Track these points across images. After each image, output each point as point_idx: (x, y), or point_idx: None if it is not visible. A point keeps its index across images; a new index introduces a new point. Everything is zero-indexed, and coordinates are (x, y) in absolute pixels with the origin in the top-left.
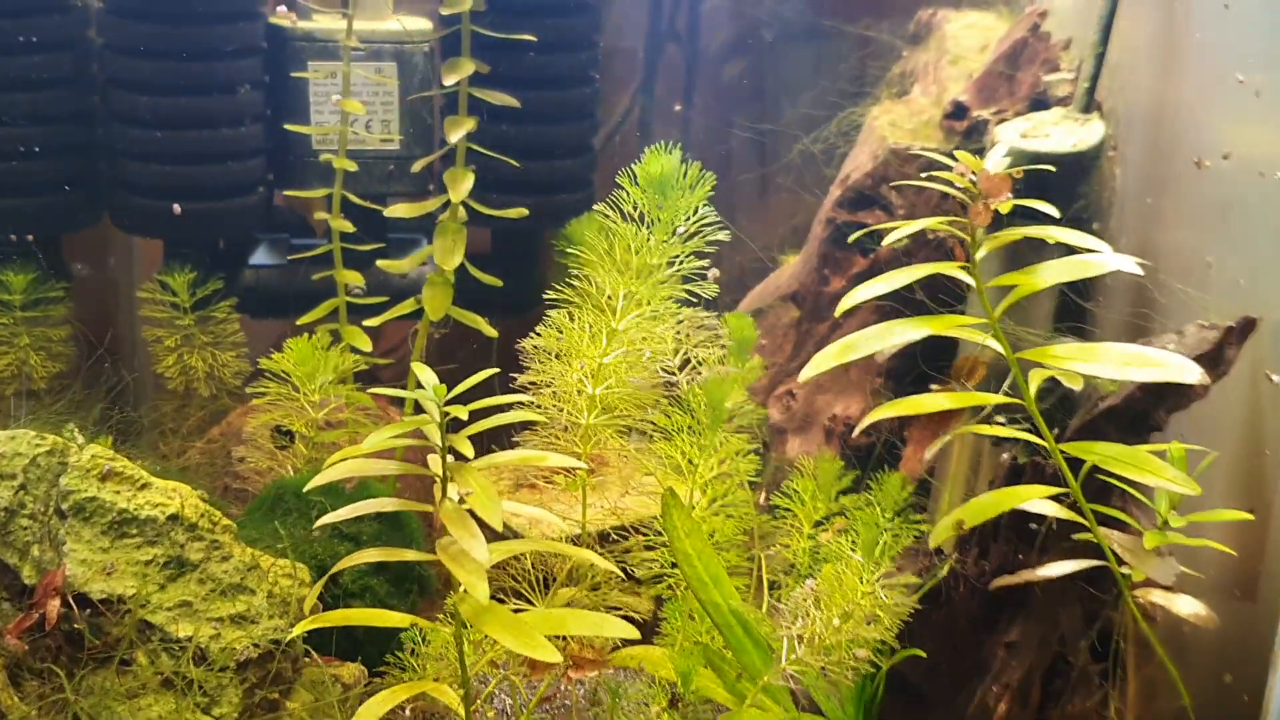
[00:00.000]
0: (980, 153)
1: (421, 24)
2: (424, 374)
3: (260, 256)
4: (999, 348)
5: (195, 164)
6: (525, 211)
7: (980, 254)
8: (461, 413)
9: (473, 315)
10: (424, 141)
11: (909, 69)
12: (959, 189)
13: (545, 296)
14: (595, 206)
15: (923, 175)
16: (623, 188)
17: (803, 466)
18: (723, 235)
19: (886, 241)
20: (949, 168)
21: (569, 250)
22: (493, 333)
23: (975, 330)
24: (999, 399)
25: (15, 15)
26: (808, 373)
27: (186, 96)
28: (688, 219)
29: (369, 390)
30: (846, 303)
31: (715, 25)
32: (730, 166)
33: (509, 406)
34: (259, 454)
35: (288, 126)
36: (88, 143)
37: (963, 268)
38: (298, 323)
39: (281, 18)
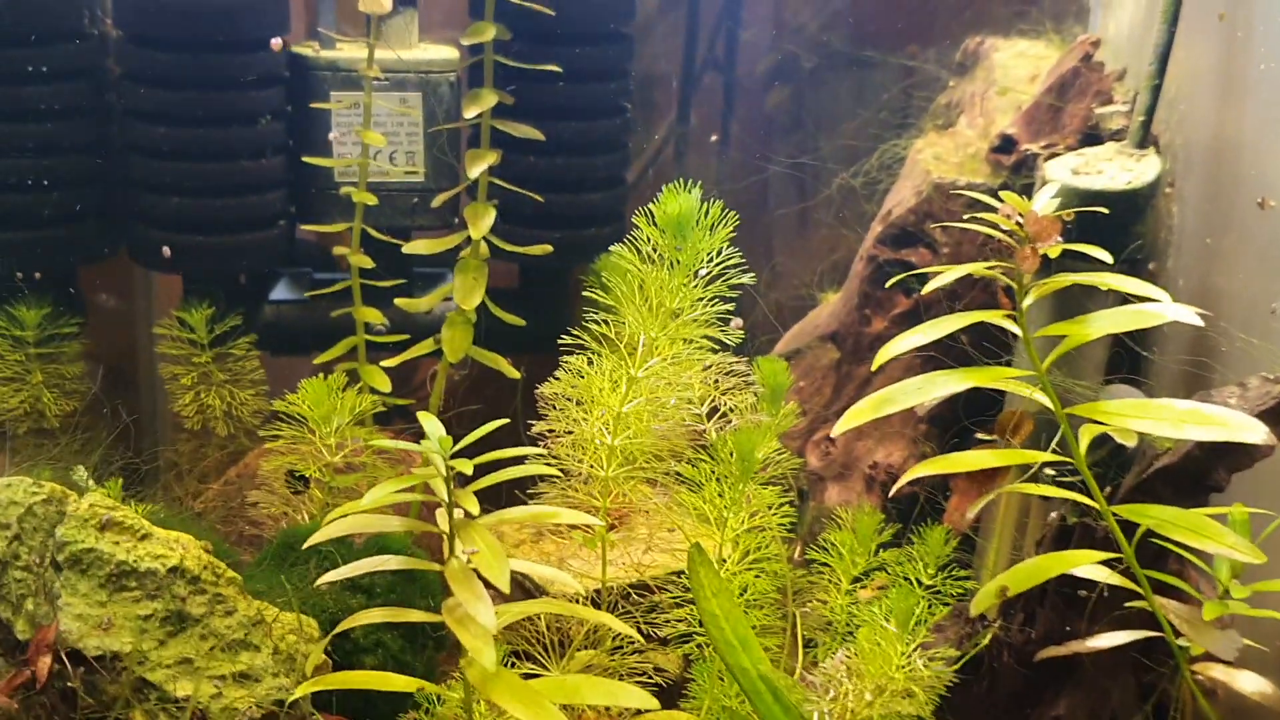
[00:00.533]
0: (1029, 189)
1: (448, 53)
2: (429, 424)
3: (281, 291)
4: (1047, 402)
5: (215, 197)
6: (549, 248)
7: (1027, 301)
8: (466, 467)
9: (494, 356)
10: (450, 173)
11: (955, 100)
12: (1005, 232)
13: (571, 335)
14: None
15: (967, 215)
16: (641, 228)
17: (841, 518)
18: (747, 279)
19: (929, 288)
20: (995, 205)
21: (596, 287)
22: (514, 374)
23: (1022, 383)
24: (1047, 456)
25: (30, 44)
26: (843, 426)
27: (206, 127)
28: (710, 260)
29: (371, 442)
30: (884, 356)
31: (755, 54)
32: (768, 200)
33: (522, 459)
34: (273, 499)
35: (306, 159)
36: (104, 174)
37: (1009, 316)
38: (314, 362)
39: (303, 47)
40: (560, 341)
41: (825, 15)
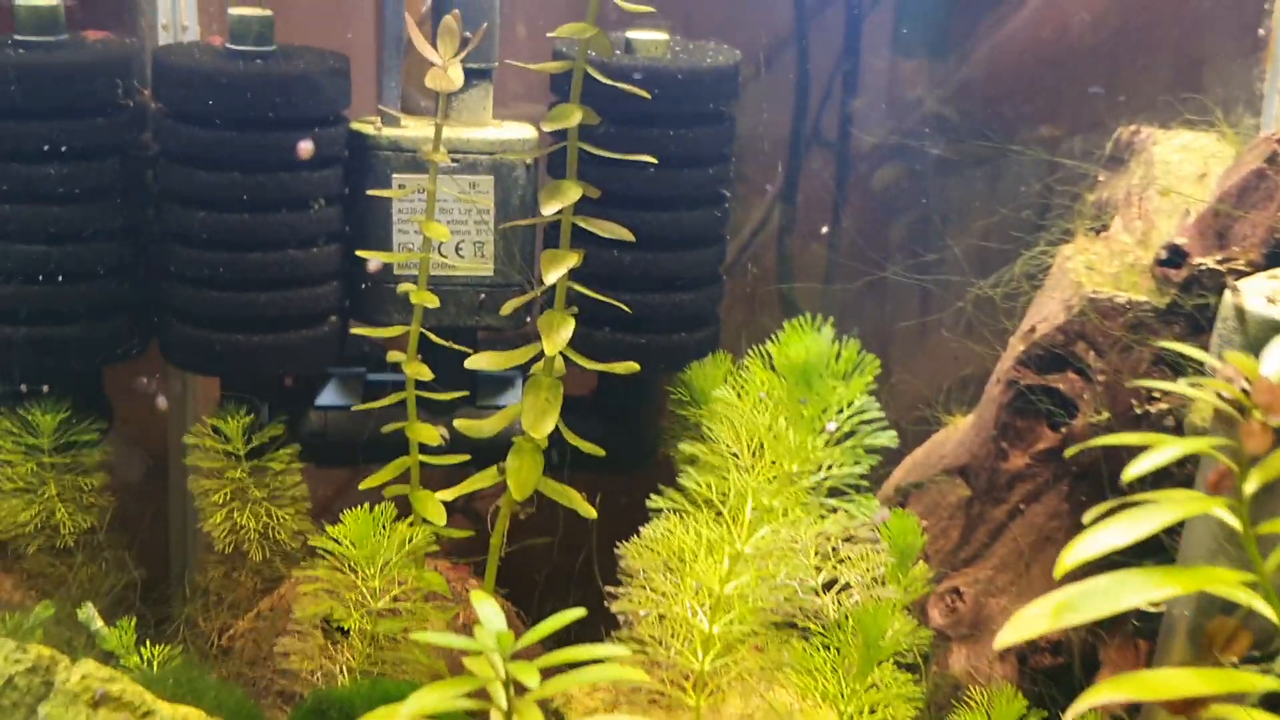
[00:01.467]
0: (1203, 309)
1: (525, 132)
2: (484, 608)
3: (329, 396)
4: (1268, 612)
5: (259, 290)
6: (636, 366)
7: (1250, 488)
8: (530, 677)
9: (568, 491)
10: (523, 265)
11: (1106, 198)
12: (1226, 399)
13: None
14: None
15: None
16: (755, 371)
17: (972, 698)
18: (886, 439)
19: (1133, 473)
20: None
21: (688, 400)
22: (591, 512)
23: (1243, 589)
24: (1273, 685)
25: (54, 116)
26: (1008, 639)
27: (251, 213)
28: (840, 412)
29: (415, 635)
30: (1070, 560)
31: (867, 132)
32: (885, 302)
33: (600, 660)
34: (306, 647)
35: (359, 253)
36: (135, 262)
37: (1229, 506)
38: (360, 487)
39: (363, 124)
40: (644, 457)
41: (947, 89)
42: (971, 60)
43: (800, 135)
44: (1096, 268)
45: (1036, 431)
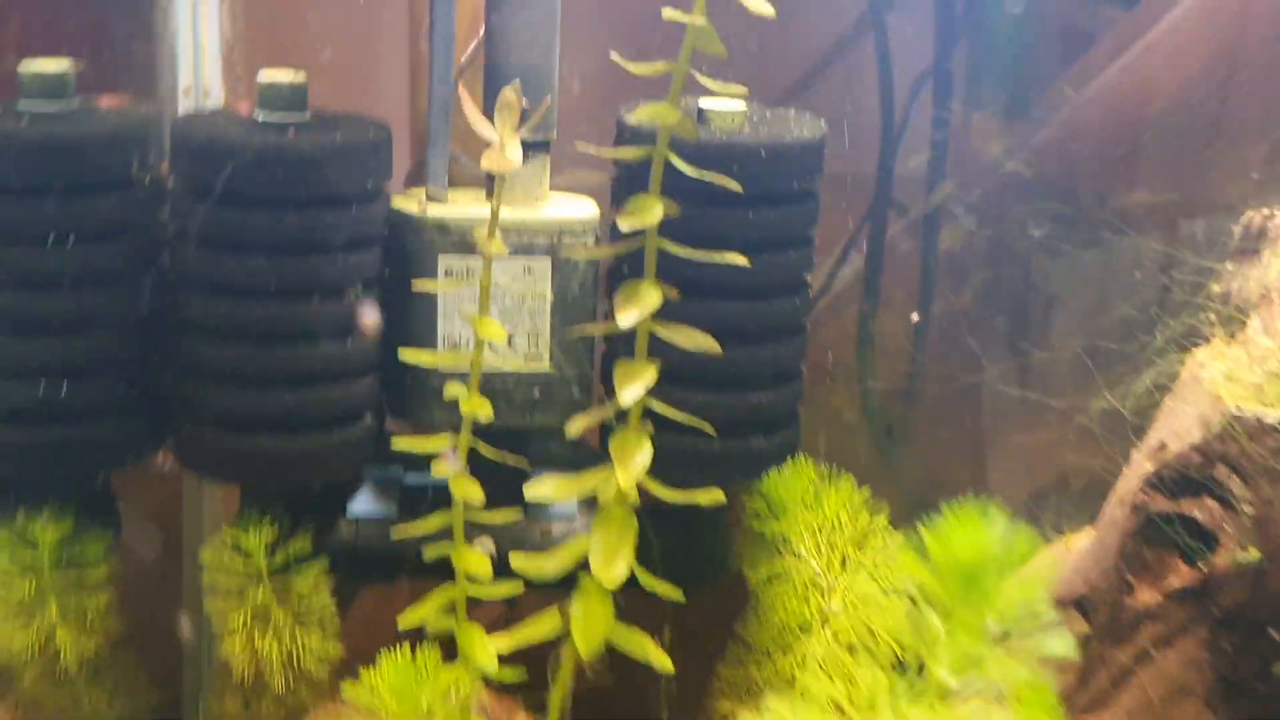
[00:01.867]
0: None
1: (586, 208)
2: None
3: (362, 504)
4: None
5: (287, 388)
6: (723, 498)
7: None
8: None
9: (642, 639)
10: (583, 358)
11: (1234, 290)
12: None
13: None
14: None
15: None
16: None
17: None
18: (1064, 648)
19: None
20: None
21: (765, 513)
22: (668, 667)
23: None
24: None
25: (59, 194)
26: None
27: (279, 301)
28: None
29: None
30: None
31: (958, 204)
32: (980, 405)
33: None
34: None
35: (402, 354)
36: (147, 356)
37: None
38: (399, 626)
39: (405, 199)
40: (715, 571)
41: (1026, 151)
42: (1060, 124)
43: (882, 208)
44: (1236, 377)
45: (1168, 564)
